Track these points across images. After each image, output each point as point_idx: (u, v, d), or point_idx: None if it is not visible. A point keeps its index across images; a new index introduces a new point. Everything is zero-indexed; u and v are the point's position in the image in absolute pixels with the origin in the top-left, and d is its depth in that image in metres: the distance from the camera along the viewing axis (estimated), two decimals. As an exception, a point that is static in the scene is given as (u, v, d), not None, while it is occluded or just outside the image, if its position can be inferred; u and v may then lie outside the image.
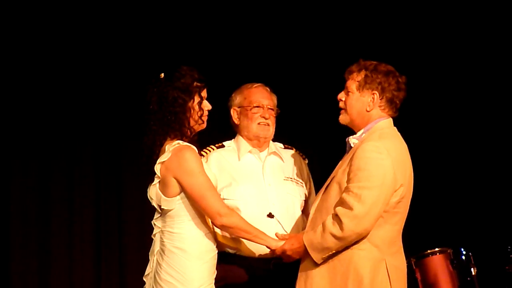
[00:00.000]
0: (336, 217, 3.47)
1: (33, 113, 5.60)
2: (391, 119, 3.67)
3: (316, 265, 3.54)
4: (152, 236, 3.71)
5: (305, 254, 3.57)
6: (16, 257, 5.46)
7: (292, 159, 4.26)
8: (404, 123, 3.73)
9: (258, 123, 4.14)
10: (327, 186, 3.66)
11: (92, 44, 5.73)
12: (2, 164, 5.50)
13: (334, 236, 3.46)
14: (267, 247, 3.71)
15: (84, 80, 5.72)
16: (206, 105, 3.74)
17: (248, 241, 3.86)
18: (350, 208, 3.44)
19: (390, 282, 3.50)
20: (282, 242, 3.67)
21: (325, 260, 3.53)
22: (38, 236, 5.52)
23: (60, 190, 5.61)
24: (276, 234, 3.75)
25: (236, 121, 4.21)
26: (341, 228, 3.44)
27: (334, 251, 3.50)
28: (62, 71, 5.67)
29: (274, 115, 4.19)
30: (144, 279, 3.72)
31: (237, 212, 3.84)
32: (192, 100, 3.69)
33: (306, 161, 4.33)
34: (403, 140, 3.64)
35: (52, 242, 5.54)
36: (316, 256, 3.52)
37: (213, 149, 4.18)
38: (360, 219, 3.43)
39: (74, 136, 5.68)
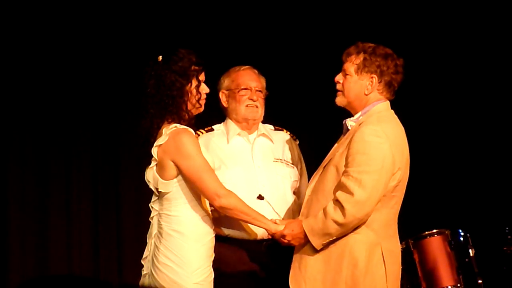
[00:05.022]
0: (337, 202, 3.46)
1: (30, 102, 5.57)
2: (388, 102, 3.67)
3: (311, 248, 3.54)
4: (150, 219, 3.70)
5: (305, 240, 3.57)
6: (14, 242, 5.47)
7: (282, 141, 4.25)
8: (400, 106, 3.72)
9: (246, 105, 4.13)
10: (323, 168, 3.65)
11: (87, 29, 5.66)
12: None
13: (336, 222, 3.46)
14: (266, 230, 3.71)
15: (81, 66, 5.67)
16: (204, 89, 3.72)
17: (240, 224, 3.88)
18: (350, 193, 3.44)
19: (385, 265, 3.51)
20: (282, 226, 3.64)
21: (321, 243, 3.54)
22: (36, 220, 5.53)
23: (57, 172, 5.58)
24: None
25: (224, 104, 4.20)
26: (344, 214, 3.44)
27: (335, 237, 3.50)
28: (57, 59, 5.61)
29: (263, 97, 4.18)
30: (142, 262, 3.71)
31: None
32: (189, 84, 3.67)
33: (297, 142, 4.32)
34: (400, 123, 3.64)
35: (51, 226, 5.54)
36: (317, 242, 3.52)
37: (202, 133, 4.18)
38: (362, 204, 3.43)
39: (71, 122, 5.65)
